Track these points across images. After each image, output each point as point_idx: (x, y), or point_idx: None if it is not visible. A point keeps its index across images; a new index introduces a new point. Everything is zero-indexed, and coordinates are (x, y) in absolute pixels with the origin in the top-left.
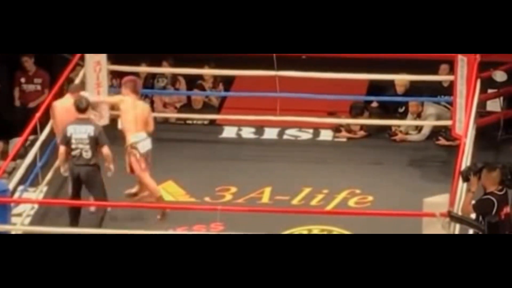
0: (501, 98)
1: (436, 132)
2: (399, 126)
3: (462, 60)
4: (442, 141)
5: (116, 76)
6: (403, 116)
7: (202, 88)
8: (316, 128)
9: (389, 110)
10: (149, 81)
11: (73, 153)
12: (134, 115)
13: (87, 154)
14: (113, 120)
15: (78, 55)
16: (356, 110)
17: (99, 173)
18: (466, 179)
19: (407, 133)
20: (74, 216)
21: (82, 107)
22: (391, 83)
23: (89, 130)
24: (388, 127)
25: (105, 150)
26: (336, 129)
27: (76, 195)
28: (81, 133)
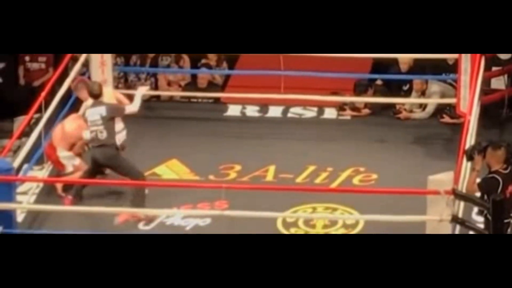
0: (506, 76)
1: (440, 110)
2: (403, 104)
3: None
4: (446, 119)
5: (120, 54)
6: (408, 94)
7: (208, 67)
8: (321, 106)
9: (393, 88)
10: (153, 59)
11: (90, 135)
12: None
13: (102, 135)
14: None
15: None
16: (360, 88)
17: (118, 152)
18: (470, 158)
19: (411, 111)
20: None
21: (95, 93)
22: (395, 61)
23: (101, 110)
24: (393, 105)
25: (127, 107)
26: (340, 107)
27: (90, 176)
28: (94, 115)
